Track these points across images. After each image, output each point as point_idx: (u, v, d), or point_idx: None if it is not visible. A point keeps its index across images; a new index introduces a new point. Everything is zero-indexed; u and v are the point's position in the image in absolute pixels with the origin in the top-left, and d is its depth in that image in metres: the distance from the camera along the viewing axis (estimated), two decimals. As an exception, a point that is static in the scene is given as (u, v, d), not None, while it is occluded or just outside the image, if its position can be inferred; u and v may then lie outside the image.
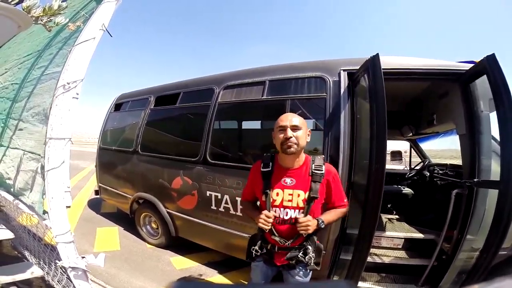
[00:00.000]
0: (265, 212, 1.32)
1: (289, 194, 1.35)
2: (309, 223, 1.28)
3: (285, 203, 1.35)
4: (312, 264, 1.39)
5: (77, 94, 1.31)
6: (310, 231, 1.30)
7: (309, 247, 1.39)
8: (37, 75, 1.79)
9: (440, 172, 3.35)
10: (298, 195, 1.34)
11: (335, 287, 0.56)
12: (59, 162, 1.24)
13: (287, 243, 1.36)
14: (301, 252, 1.39)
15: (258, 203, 1.55)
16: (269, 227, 1.32)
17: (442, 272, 2.13)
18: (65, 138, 1.26)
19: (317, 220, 1.33)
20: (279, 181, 1.37)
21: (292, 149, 1.29)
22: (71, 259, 1.28)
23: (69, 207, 1.28)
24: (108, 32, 1.57)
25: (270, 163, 1.41)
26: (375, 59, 1.81)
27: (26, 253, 2.00)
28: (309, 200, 1.33)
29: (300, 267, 1.43)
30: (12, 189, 1.70)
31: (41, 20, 1.36)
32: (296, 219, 1.31)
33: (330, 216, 1.40)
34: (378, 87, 1.72)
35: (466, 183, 2.04)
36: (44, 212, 1.34)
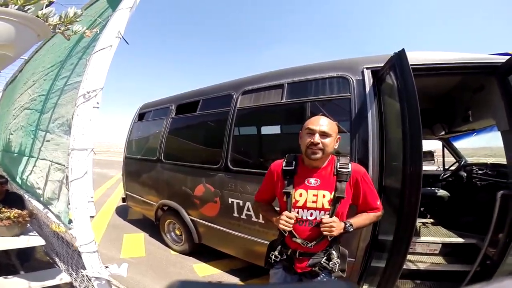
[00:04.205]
0: (286, 213, 1.26)
1: (314, 195, 1.27)
2: (333, 224, 1.20)
3: (308, 204, 1.28)
4: (337, 270, 1.31)
5: (98, 103, 1.32)
6: (334, 234, 1.21)
7: (333, 252, 1.31)
8: (60, 85, 1.84)
9: (480, 172, 3.11)
10: (324, 196, 1.26)
11: (336, 287, 0.50)
12: (82, 173, 1.24)
13: (309, 245, 1.28)
14: (325, 258, 1.30)
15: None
16: (290, 229, 1.25)
17: (486, 278, 1.97)
18: (87, 148, 1.26)
19: (345, 223, 1.25)
20: (303, 181, 1.30)
21: (317, 155, 1.23)
22: (95, 268, 1.28)
23: (93, 217, 1.28)
24: (125, 40, 1.57)
25: (294, 162, 1.34)
26: (401, 55, 1.70)
27: (57, 259, 2.06)
28: (335, 201, 1.25)
29: (324, 274, 1.33)
30: (41, 199, 1.76)
31: (59, 28, 1.39)
32: (320, 220, 1.24)
33: (361, 220, 1.31)
34: (408, 83, 1.60)
35: None
36: (70, 221, 1.35)
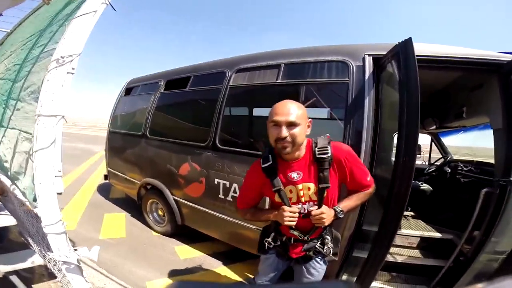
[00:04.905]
0: (287, 208, 1.19)
1: (300, 190, 1.22)
2: (323, 215, 1.16)
3: (300, 199, 1.25)
4: (330, 254, 1.31)
5: (73, 69, 1.17)
6: (326, 223, 1.18)
7: (327, 236, 1.31)
8: (36, 53, 1.69)
9: (464, 169, 3.17)
10: (309, 189, 1.21)
11: (335, 287, 0.52)
12: (49, 142, 1.11)
13: (306, 237, 1.27)
14: (319, 242, 1.30)
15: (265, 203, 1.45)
16: (294, 223, 1.21)
17: (458, 274, 2.00)
18: (56, 115, 1.13)
19: (335, 210, 1.21)
20: (286, 177, 1.23)
21: (287, 149, 1.13)
22: (62, 251, 1.17)
23: (60, 193, 1.16)
24: (112, 6, 1.46)
25: (270, 156, 1.23)
26: (407, 44, 1.61)
27: (30, 240, 1.95)
28: (320, 192, 1.19)
29: (318, 259, 1.34)
30: (9, 173, 1.62)
31: (38, -9, 1.23)
32: (310, 211, 1.21)
33: (351, 202, 1.27)
34: (411, 74, 1.53)
35: (500, 182, 1.86)
36: (35, 198, 1.24)
